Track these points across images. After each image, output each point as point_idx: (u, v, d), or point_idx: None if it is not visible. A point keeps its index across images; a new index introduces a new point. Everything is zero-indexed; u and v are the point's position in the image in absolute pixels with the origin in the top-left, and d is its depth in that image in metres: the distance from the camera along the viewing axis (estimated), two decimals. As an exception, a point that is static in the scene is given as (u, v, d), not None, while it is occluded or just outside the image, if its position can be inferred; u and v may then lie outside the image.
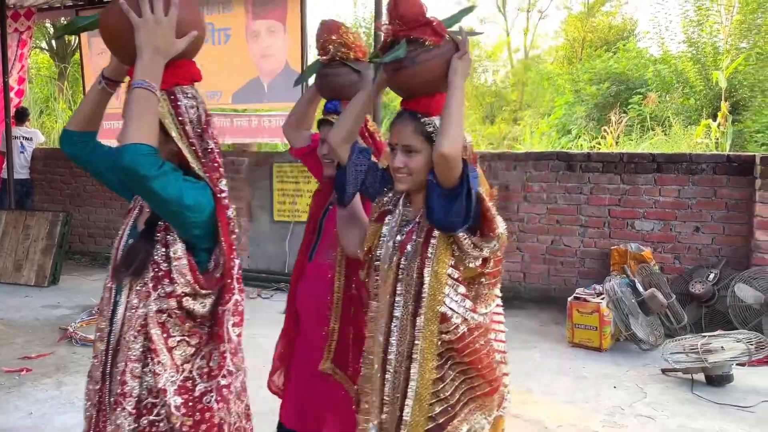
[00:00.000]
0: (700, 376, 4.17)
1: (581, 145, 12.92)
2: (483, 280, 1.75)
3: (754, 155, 5.33)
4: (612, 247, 5.60)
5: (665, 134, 11.79)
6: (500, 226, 1.70)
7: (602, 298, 4.91)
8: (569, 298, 4.99)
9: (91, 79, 4.82)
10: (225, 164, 1.68)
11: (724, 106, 10.66)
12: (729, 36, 13.43)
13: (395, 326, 1.73)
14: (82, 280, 6.93)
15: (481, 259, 1.70)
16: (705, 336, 4.28)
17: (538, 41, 29.29)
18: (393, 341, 1.74)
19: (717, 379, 4.09)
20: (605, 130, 12.88)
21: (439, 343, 1.69)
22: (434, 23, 1.72)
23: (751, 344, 4.11)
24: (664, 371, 4.32)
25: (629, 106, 15.47)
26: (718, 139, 10.43)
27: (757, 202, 5.17)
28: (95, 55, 7.74)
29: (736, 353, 4.04)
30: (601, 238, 5.80)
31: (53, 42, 16.71)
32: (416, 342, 1.69)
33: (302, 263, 2.45)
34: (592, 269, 5.82)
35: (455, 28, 1.79)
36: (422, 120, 1.74)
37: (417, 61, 1.69)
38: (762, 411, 3.76)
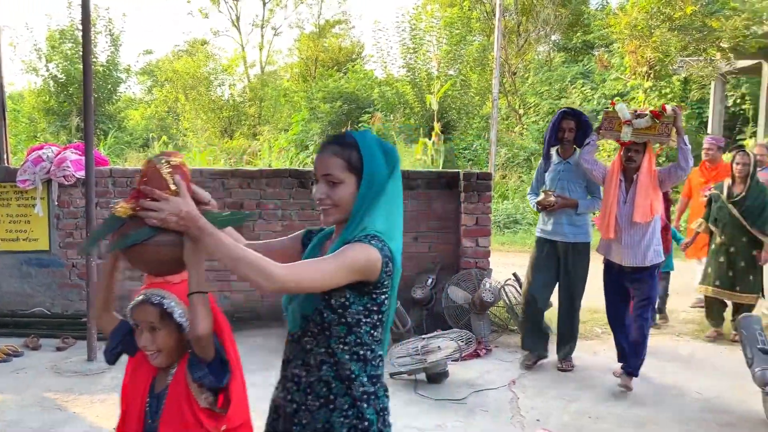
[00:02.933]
0: (423, 376, 4.53)
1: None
2: None
3: (458, 172, 6.01)
4: (344, 260, 5.82)
5: (392, 151, 12.82)
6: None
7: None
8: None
9: None
10: None
11: (437, 126, 11.95)
12: (440, 63, 15.14)
13: None
14: None
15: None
16: (424, 338, 4.67)
17: (274, 57, 29.80)
18: None
19: (436, 377, 4.49)
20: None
21: None
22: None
23: (462, 341, 4.59)
24: (391, 375, 4.60)
25: (360, 124, 16.55)
26: (433, 155, 11.66)
27: (462, 213, 5.83)
28: None
29: (450, 351, 4.48)
30: (333, 251, 5.99)
31: None
32: None
33: None
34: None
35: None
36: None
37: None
38: (472, 401, 4.21)
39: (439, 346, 4.53)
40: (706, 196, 5.74)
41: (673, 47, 12.01)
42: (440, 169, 11.12)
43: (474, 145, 15.60)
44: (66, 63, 19.67)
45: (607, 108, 4.48)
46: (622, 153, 4.33)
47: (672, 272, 6.07)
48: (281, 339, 5.41)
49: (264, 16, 30.12)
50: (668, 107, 4.19)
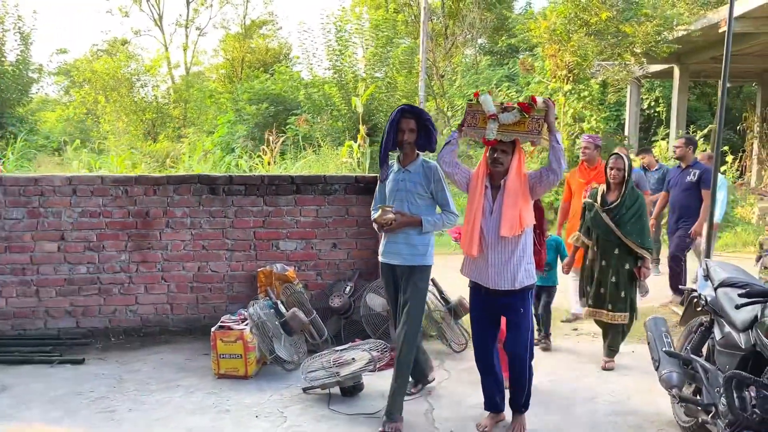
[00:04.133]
0: (337, 389, 4.37)
1: (240, 165, 13.04)
2: None
3: (376, 176, 5.88)
4: (258, 269, 5.61)
5: (316, 154, 12.61)
6: None
7: (246, 324, 4.85)
8: (213, 328, 4.80)
9: None
10: None
11: (362, 128, 11.83)
12: (366, 66, 15.04)
13: None
14: None
15: None
16: (337, 350, 4.51)
17: (199, 58, 29.00)
18: None
19: (350, 390, 4.34)
20: (263, 150, 13.23)
21: None
22: None
23: (377, 351, 4.46)
24: (305, 390, 4.42)
25: (287, 126, 16.24)
26: (359, 158, 11.53)
27: (381, 219, 5.70)
28: None
29: (364, 363, 4.33)
30: (248, 260, 5.77)
31: None
32: None
33: None
34: (241, 293, 5.75)
35: None
36: None
37: None
38: (386, 414, 4.07)
39: (353, 358, 4.38)
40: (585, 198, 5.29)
41: (590, 51, 12.33)
42: (366, 172, 11.00)
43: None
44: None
45: (471, 100, 3.71)
46: (487, 154, 3.66)
47: (558, 286, 5.56)
48: (191, 353, 5.14)
49: (188, 16, 29.30)
50: (539, 99, 3.57)
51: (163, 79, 27.02)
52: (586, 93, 13.07)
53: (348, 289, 5.60)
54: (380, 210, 3.92)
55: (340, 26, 15.01)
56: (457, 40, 20.31)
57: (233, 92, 20.39)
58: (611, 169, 4.91)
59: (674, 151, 7.06)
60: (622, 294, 4.86)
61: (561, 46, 12.45)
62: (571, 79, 12.80)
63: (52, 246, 5.55)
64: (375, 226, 4.06)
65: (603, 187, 5.04)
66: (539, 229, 4.18)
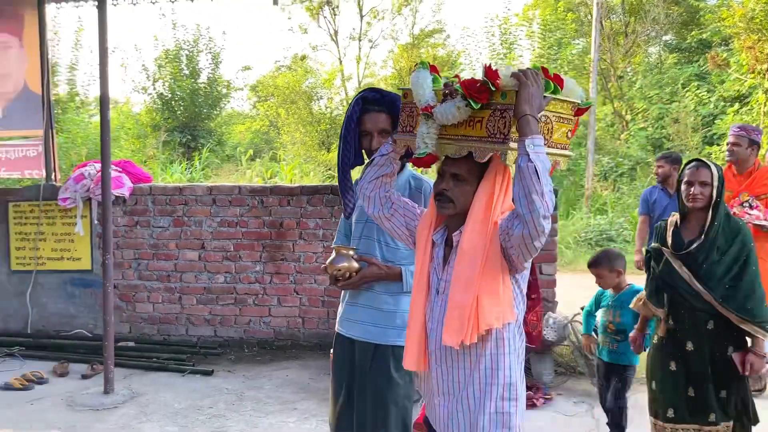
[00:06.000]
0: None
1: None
2: None
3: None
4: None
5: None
6: None
7: (367, 347, 4.50)
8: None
9: None
10: None
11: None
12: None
13: None
14: None
15: None
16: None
17: (370, 69, 29.81)
18: None
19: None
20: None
21: None
22: None
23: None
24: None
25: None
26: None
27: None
28: None
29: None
30: (379, 276, 5.43)
31: None
32: None
33: None
34: (372, 310, 5.43)
35: None
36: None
37: None
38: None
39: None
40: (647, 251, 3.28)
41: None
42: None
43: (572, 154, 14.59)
44: (171, 81, 20.53)
45: (403, 88, 2.11)
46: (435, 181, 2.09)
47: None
48: (316, 372, 4.87)
49: (361, 29, 30.28)
50: (503, 70, 1.84)
51: (336, 91, 28.14)
52: (794, 89, 11.11)
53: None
54: (334, 253, 2.52)
55: (505, 29, 14.37)
56: (638, 38, 18.58)
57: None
58: (688, 184, 2.92)
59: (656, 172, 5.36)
60: (723, 394, 2.89)
61: (761, 36, 10.67)
62: (774, 73, 10.95)
63: (194, 254, 5.66)
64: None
65: (675, 217, 3.04)
66: (531, 276, 2.58)
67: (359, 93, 2.57)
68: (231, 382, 4.83)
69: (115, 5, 5.79)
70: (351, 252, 2.49)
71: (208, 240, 5.63)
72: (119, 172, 5.65)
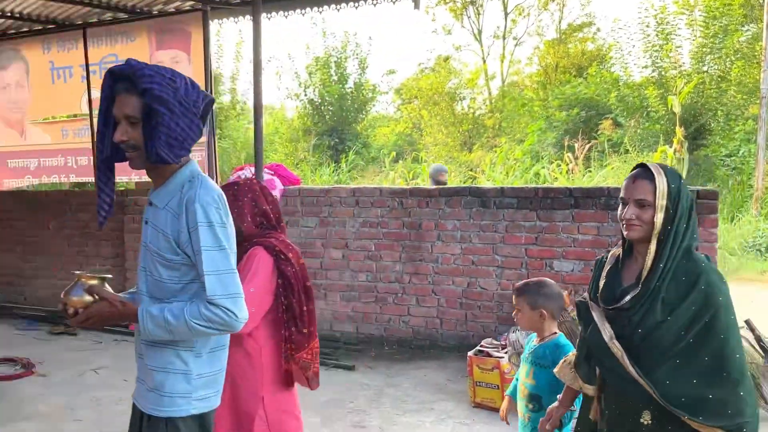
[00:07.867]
0: None
1: (540, 174, 12.56)
2: None
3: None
4: (530, 291, 5.12)
5: (624, 162, 11.43)
6: None
7: (505, 352, 4.42)
8: (470, 352, 4.50)
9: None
10: None
11: (679, 131, 10.29)
12: (692, 59, 13.17)
13: None
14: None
15: None
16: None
17: (515, 67, 29.20)
18: None
19: None
20: (569, 157, 12.52)
21: None
22: None
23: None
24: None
25: (598, 132, 15.16)
26: (674, 166, 10.06)
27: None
28: None
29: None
30: (518, 279, 5.27)
31: None
32: None
33: None
34: (511, 314, 5.32)
35: None
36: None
37: None
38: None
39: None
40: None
41: None
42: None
43: (741, 152, 13.28)
44: (321, 87, 21.55)
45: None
46: None
47: None
48: (454, 373, 4.89)
49: (506, 27, 29.75)
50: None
51: (479, 90, 27.91)
52: None
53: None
54: (77, 280, 1.98)
55: (662, 19, 13.40)
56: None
57: (545, 99, 19.95)
58: (621, 203, 1.95)
59: None
60: None
61: None
62: None
63: (338, 253, 5.90)
64: None
65: (616, 250, 2.04)
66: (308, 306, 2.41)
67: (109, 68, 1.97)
68: (371, 378, 4.98)
69: (269, 18, 6.19)
70: (93, 282, 1.97)
71: (351, 240, 5.84)
72: (271, 175, 6.03)
